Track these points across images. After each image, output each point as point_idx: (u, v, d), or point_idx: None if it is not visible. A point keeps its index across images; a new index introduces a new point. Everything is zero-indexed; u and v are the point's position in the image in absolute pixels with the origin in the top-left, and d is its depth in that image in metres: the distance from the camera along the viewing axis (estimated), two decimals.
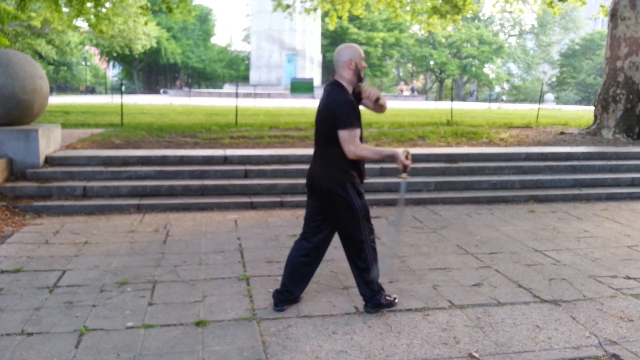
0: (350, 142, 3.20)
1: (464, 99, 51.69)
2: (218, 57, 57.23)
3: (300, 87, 33.56)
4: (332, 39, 45.30)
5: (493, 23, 60.88)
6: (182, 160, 7.41)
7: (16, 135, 6.75)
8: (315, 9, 16.00)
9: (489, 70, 56.17)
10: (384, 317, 3.44)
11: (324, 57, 43.08)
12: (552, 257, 4.76)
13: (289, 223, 5.84)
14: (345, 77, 3.32)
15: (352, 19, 37.13)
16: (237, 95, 13.93)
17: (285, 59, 40.25)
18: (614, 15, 10.68)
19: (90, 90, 52.38)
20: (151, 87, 54.02)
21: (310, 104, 19.52)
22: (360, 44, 42.88)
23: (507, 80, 61.31)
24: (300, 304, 3.60)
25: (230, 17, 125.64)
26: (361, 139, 3.34)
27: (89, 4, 15.63)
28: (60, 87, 53.50)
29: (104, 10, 17.63)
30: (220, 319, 3.36)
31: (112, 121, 11.66)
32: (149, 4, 18.57)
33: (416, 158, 7.84)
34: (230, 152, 7.82)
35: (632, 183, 8.00)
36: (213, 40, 60.63)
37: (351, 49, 3.34)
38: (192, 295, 3.76)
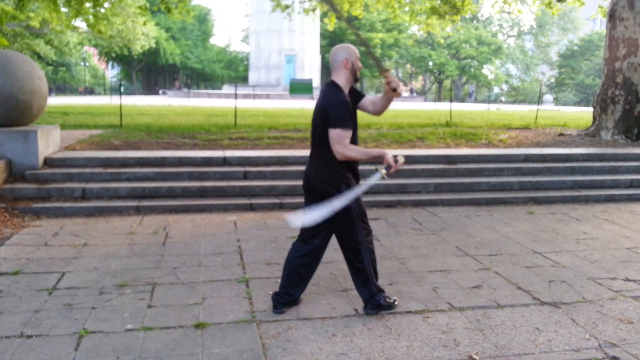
0: (338, 142, 3.19)
1: (462, 100, 51.78)
2: (217, 57, 57.21)
3: (300, 87, 33.60)
4: (331, 40, 45.25)
5: (492, 24, 60.90)
6: (181, 162, 7.40)
7: (15, 136, 6.73)
8: (314, 10, 16.01)
9: (487, 71, 56.23)
10: (383, 319, 3.44)
11: (323, 57, 43.07)
12: (552, 259, 4.77)
13: (288, 225, 5.82)
14: (341, 77, 3.32)
15: (351, 19, 37.10)
16: (236, 96, 13.96)
17: (284, 60, 40.27)
18: (612, 16, 10.68)
19: (89, 91, 52.40)
20: (150, 88, 53.98)
21: (309, 105, 19.50)
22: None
23: (506, 81, 61.32)
24: (300, 306, 3.60)
25: (229, 17, 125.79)
26: (356, 140, 3.33)
27: (87, 4, 15.64)
28: (59, 87, 53.49)
29: (102, 10, 17.64)
30: (220, 322, 3.36)
31: (111, 122, 11.64)
32: (147, 4, 18.58)
33: (415, 159, 7.87)
34: (229, 153, 7.81)
35: (631, 184, 8.01)
36: (212, 40, 60.71)
37: (347, 48, 3.34)
38: (192, 297, 3.76)
